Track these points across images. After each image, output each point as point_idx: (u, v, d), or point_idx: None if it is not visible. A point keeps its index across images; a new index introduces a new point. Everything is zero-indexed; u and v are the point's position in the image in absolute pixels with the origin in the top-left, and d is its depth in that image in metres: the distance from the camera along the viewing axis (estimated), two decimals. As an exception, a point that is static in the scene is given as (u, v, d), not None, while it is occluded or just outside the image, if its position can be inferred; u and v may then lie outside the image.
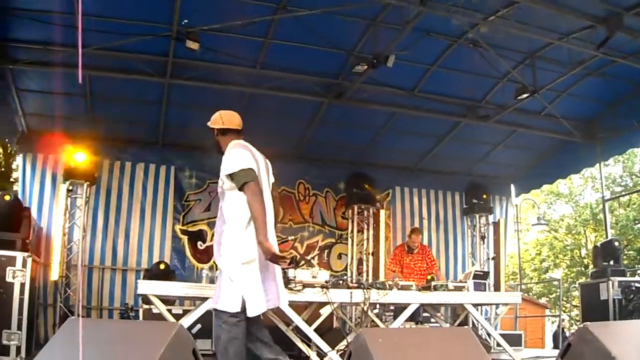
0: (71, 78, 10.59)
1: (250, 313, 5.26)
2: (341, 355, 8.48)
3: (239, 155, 5.50)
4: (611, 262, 12.44)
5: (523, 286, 33.72)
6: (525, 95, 11.95)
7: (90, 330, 4.11)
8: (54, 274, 11.64)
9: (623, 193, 35.99)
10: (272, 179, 5.99)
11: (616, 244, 13.00)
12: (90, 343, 3.85)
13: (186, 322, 7.36)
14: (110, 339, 3.95)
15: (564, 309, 28.41)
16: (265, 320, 9.96)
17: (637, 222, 35.15)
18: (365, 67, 10.69)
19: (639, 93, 13.07)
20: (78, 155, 11.96)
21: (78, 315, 11.38)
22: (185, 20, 9.69)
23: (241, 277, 5.31)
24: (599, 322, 5.89)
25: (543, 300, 36.98)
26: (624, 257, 31.57)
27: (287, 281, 8.27)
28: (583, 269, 36.52)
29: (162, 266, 11.56)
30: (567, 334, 20.57)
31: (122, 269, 12.95)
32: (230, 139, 5.87)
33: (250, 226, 5.32)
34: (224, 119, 6.07)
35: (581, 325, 5.76)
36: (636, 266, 31.87)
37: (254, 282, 5.30)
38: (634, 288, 11.38)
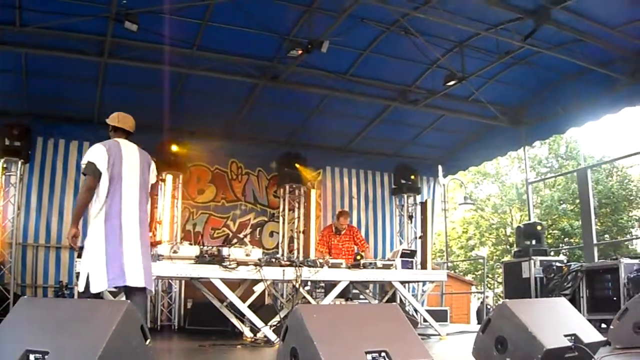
0: (7, 55, 10.57)
1: (93, 290, 5.76)
2: (274, 331, 8.80)
3: (92, 150, 6.22)
4: (533, 242, 12.98)
5: (450, 264, 34.43)
6: (453, 82, 12.31)
7: (43, 310, 4.32)
8: (-11, 253, 11.58)
9: (547, 176, 36.91)
10: (149, 178, 6.50)
11: (539, 227, 13.54)
12: (43, 323, 4.07)
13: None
14: (63, 318, 4.12)
15: (489, 285, 29.21)
16: (198, 295, 10.25)
17: (561, 202, 36.06)
18: (300, 52, 10.87)
19: (563, 82, 13.56)
20: (12, 133, 11.90)
21: (14, 294, 11.43)
22: (124, 1, 9.69)
23: (85, 257, 5.93)
24: (517, 300, 6.27)
25: (469, 277, 37.70)
26: (549, 236, 32.55)
27: (221, 259, 8.57)
28: (508, 247, 37.24)
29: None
30: (491, 310, 21.17)
31: (56, 246, 12.87)
32: (117, 136, 6.49)
33: (97, 212, 5.99)
34: (119, 118, 6.67)
35: (500, 302, 6.14)
36: (560, 245, 32.82)
37: (95, 262, 5.81)
38: (554, 267, 11.83)
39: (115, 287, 6.06)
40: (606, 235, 32.48)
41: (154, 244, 8.24)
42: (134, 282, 5.91)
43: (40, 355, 3.81)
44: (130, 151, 6.38)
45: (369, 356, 4.39)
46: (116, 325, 3.96)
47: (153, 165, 6.61)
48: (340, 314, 5.00)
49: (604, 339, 6.42)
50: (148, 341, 4.34)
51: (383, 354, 4.44)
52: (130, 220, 6.07)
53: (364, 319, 4.91)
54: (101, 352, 3.76)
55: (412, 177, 16.00)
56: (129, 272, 5.90)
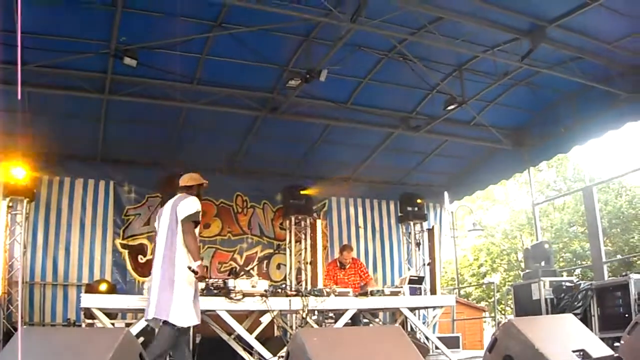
0: (9, 95, 10.64)
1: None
2: (281, 360, 8.74)
3: None
4: (542, 264, 12.89)
5: (462, 291, 34.24)
6: (453, 106, 12.35)
7: (42, 339, 4.32)
8: (-4, 291, 11.59)
9: (552, 197, 36.74)
10: (175, 217, 7.12)
11: (546, 245, 13.49)
12: (43, 350, 4.07)
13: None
14: (61, 345, 4.13)
15: (501, 311, 29.00)
16: (207, 330, 10.20)
17: (571, 224, 35.82)
18: (299, 81, 10.95)
19: (564, 101, 13.60)
20: (17, 172, 11.92)
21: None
22: (123, 38, 9.81)
23: None
24: (523, 317, 6.26)
25: (483, 305, 37.44)
26: (561, 259, 32.28)
27: (227, 291, 8.56)
28: (520, 272, 36.95)
29: (102, 286, 11.69)
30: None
31: (63, 284, 12.86)
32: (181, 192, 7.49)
33: None
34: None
35: (506, 321, 6.10)
36: (572, 268, 32.58)
37: None
38: (564, 287, 11.77)
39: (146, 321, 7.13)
40: (618, 256, 32.22)
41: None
42: (146, 316, 6.76)
43: (40, 384, 3.82)
44: (168, 202, 7.38)
45: (370, 377, 4.36)
46: (114, 352, 3.96)
47: (181, 204, 7.13)
48: (342, 337, 4.98)
49: (614, 353, 6.37)
50: (147, 369, 4.34)
51: (386, 375, 4.42)
52: (156, 261, 7.06)
53: (366, 341, 4.89)
54: (99, 380, 3.77)
55: (418, 204, 15.95)
56: (147, 308, 6.80)
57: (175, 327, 6.66)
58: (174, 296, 6.71)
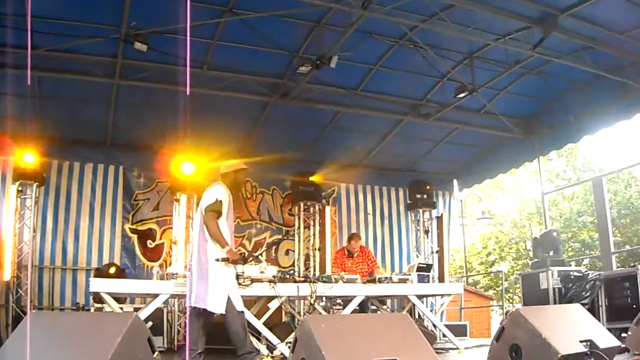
0: (20, 79, 10.64)
1: None
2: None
3: None
4: (551, 253, 12.87)
5: (471, 279, 34.23)
6: (464, 94, 12.28)
7: (52, 323, 4.34)
8: (6, 275, 11.64)
9: (562, 187, 36.68)
10: (201, 206, 7.34)
11: (554, 234, 13.44)
12: (51, 335, 4.09)
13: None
14: (69, 330, 4.14)
15: (509, 299, 29.00)
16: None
17: (580, 214, 35.75)
18: (310, 67, 10.90)
19: (574, 90, 13.56)
20: (27, 156, 11.98)
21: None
22: (134, 23, 9.80)
23: None
24: (530, 307, 6.25)
25: (491, 293, 37.43)
26: (569, 249, 32.22)
27: (235, 276, 8.57)
28: (528, 261, 36.87)
29: (111, 270, 11.73)
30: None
31: (72, 268, 12.92)
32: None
33: None
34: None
35: (514, 310, 6.09)
36: (580, 257, 32.51)
37: None
38: (572, 277, 11.74)
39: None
40: (627, 246, 32.13)
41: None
42: (187, 303, 7.07)
43: (49, 368, 3.83)
44: None
45: (379, 364, 4.36)
46: (122, 337, 3.97)
47: (204, 194, 7.33)
48: (349, 324, 4.98)
49: (621, 344, 6.36)
50: (156, 354, 4.35)
51: (393, 362, 4.41)
52: (193, 250, 7.44)
53: (373, 328, 4.89)
54: (107, 363, 3.78)
55: (427, 191, 15.91)
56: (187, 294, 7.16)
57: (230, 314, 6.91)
58: (209, 286, 6.87)
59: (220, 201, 7.08)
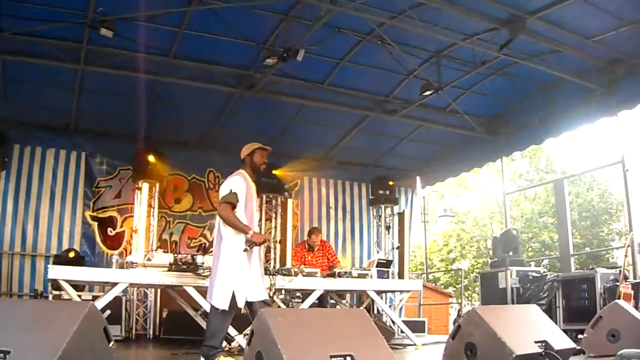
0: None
1: None
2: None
3: None
4: (510, 253, 12.99)
5: (431, 276, 34.46)
6: (429, 92, 12.28)
7: (6, 310, 4.29)
8: (-35, 260, 11.49)
9: (524, 187, 37.06)
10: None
11: (514, 232, 13.57)
12: (6, 322, 4.05)
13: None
14: (26, 318, 4.11)
15: (468, 297, 29.25)
16: (174, 305, 10.20)
17: (542, 215, 36.20)
18: (276, 60, 10.84)
19: (540, 92, 13.70)
20: (-11, 140, 11.82)
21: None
22: (101, 8, 9.63)
23: None
24: (487, 306, 6.31)
25: (451, 290, 37.75)
26: (530, 249, 32.60)
27: (195, 267, 8.55)
28: (489, 259, 37.20)
29: (71, 254, 11.51)
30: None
31: (31, 254, 12.76)
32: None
33: None
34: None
35: (470, 309, 6.14)
36: (540, 258, 32.90)
37: None
38: (531, 277, 11.91)
39: None
40: (587, 248, 32.58)
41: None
42: None
43: (2, 355, 3.81)
44: None
45: (334, 360, 4.37)
46: (78, 325, 3.95)
47: (223, 184, 7.30)
48: (306, 318, 4.97)
49: (576, 346, 6.44)
50: (111, 343, 4.33)
51: (348, 358, 4.43)
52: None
53: (330, 323, 4.89)
54: (61, 351, 3.76)
55: (390, 187, 15.94)
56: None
57: (219, 310, 6.80)
58: (216, 280, 6.86)
59: (235, 193, 6.96)
